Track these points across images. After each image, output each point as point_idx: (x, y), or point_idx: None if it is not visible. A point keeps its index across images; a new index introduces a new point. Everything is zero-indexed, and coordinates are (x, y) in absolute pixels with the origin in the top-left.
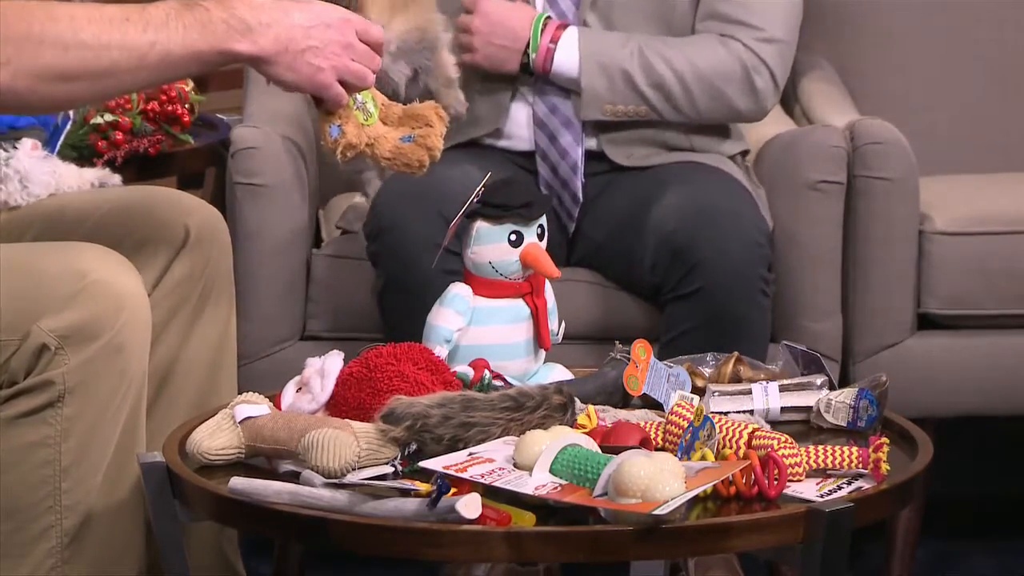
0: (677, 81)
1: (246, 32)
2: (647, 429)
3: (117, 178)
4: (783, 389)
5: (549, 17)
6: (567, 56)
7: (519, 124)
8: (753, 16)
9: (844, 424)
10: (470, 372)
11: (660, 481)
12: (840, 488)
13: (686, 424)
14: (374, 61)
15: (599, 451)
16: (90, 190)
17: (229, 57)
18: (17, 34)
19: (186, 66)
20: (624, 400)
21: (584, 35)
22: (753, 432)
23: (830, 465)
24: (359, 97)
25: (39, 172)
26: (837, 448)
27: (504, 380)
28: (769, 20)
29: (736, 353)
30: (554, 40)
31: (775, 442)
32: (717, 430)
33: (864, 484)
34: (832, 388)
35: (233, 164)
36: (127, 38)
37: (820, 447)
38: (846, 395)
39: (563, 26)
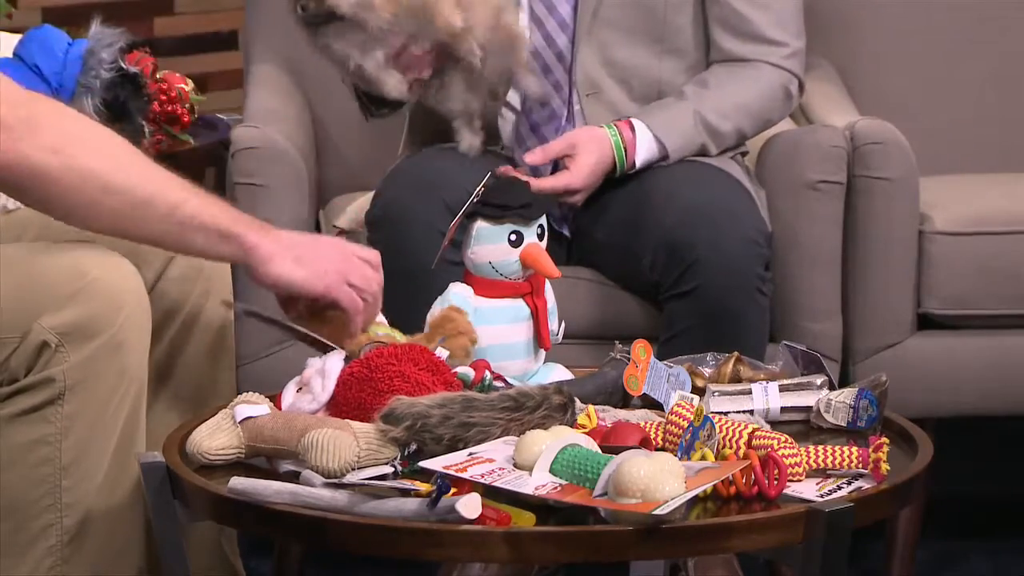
0: (736, 133)
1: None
2: (647, 429)
3: None
4: (783, 389)
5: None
6: (647, 153)
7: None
8: (773, 30)
9: (844, 424)
10: (471, 373)
11: (660, 481)
12: (840, 488)
13: (686, 424)
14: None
15: (599, 451)
16: None
17: (244, 245)
18: (79, 166)
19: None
20: (624, 400)
21: (656, 126)
22: (753, 432)
23: (830, 465)
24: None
25: None
26: (837, 448)
27: (505, 381)
28: (788, 33)
29: (736, 353)
30: (632, 146)
31: (775, 442)
32: (717, 430)
33: (864, 484)
34: (832, 388)
35: (233, 164)
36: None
37: (820, 447)
38: (846, 395)
39: (630, 126)
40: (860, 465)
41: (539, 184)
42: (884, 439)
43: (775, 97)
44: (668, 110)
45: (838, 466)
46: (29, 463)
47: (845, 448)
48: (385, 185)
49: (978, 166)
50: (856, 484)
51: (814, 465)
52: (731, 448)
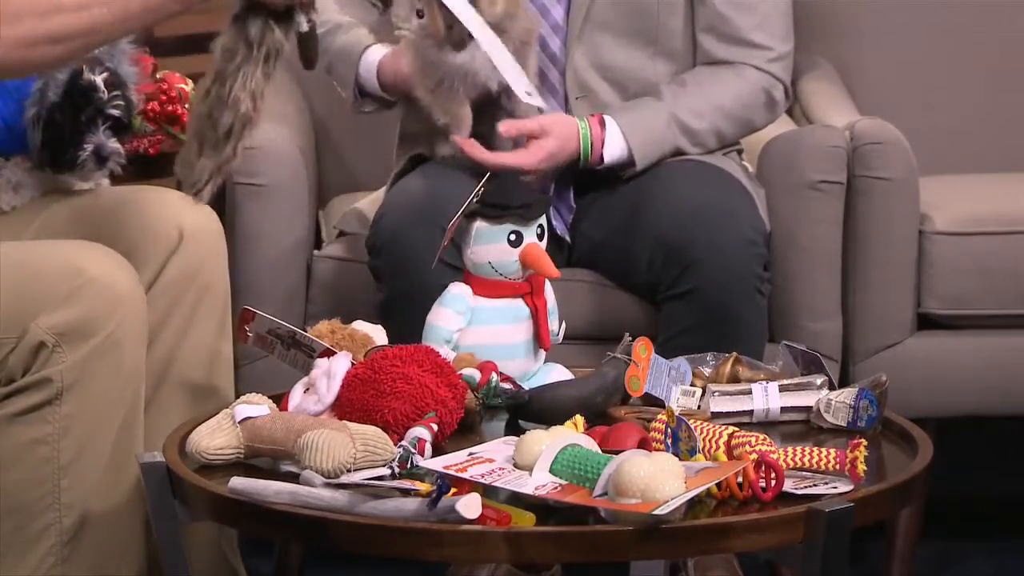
0: (713, 133)
1: None
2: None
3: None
4: (783, 389)
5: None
6: (615, 151)
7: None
8: (759, 34)
9: (844, 424)
10: (476, 374)
11: (660, 481)
12: (815, 486)
13: (663, 427)
14: None
15: (599, 451)
16: (84, 191)
17: None
18: None
19: (169, 8)
20: (624, 399)
21: (625, 124)
22: (733, 433)
23: (807, 465)
24: None
25: (31, 179)
26: (815, 449)
27: (513, 382)
28: (774, 37)
29: (735, 353)
30: (600, 141)
31: (752, 439)
32: (696, 431)
33: (840, 484)
34: (832, 388)
35: (233, 164)
36: None
37: (799, 447)
38: (846, 395)
39: (601, 121)
40: (837, 466)
41: (494, 159)
42: (862, 440)
43: (755, 100)
44: (642, 111)
45: (815, 466)
46: (28, 463)
47: (823, 449)
48: (383, 212)
49: (978, 166)
50: (831, 484)
51: (792, 464)
52: (714, 448)
